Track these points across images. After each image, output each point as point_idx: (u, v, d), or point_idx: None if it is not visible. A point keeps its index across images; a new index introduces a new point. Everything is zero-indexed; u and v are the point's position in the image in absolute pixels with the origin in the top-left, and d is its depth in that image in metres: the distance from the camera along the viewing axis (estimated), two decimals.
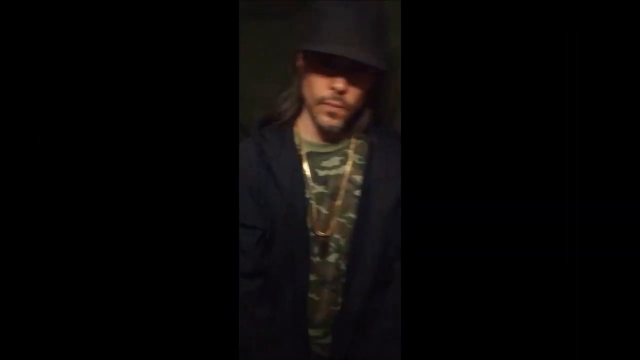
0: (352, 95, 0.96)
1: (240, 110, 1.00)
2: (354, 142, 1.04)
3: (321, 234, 0.99)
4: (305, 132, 1.04)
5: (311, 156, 1.03)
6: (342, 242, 1.00)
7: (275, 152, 1.01)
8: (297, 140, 1.03)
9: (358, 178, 1.02)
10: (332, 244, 1.00)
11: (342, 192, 1.01)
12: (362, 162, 1.03)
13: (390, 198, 1.00)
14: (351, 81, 0.94)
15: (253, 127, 1.06)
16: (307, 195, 1.00)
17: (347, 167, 1.02)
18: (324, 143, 1.03)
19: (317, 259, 1.00)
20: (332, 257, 1.00)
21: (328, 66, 0.94)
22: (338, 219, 1.00)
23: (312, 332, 1.01)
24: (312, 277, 1.00)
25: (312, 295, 1.00)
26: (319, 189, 1.01)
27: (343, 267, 1.00)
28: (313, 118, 1.00)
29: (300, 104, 1.03)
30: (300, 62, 1.00)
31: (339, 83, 0.93)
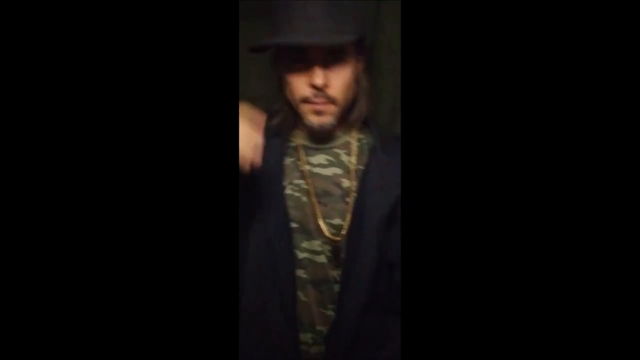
0: (336, 88, 0.88)
1: None
2: (352, 143, 0.96)
3: (334, 238, 0.92)
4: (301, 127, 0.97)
5: (300, 149, 0.96)
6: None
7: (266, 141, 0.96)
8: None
9: (347, 183, 0.94)
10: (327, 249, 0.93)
11: (326, 197, 0.94)
12: (357, 167, 0.95)
13: (385, 208, 0.91)
14: (331, 73, 0.87)
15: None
16: (288, 190, 0.93)
17: (334, 169, 0.95)
18: (317, 138, 0.96)
19: (323, 261, 0.93)
20: (322, 258, 0.93)
21: (302, 62, 0.87)
22: (322, 224, 0.92)
23: (301, 337, 0.94)
24: (300, 274, 0.93)
25: (300, 294, 0.93)
26: (300, 182, 0.94)
27: (335, 275, 0.93)
28: (302, 119, 0.93)
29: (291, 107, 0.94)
30: (275, 64, 0.93)
31: (317, 78, 0.85)
